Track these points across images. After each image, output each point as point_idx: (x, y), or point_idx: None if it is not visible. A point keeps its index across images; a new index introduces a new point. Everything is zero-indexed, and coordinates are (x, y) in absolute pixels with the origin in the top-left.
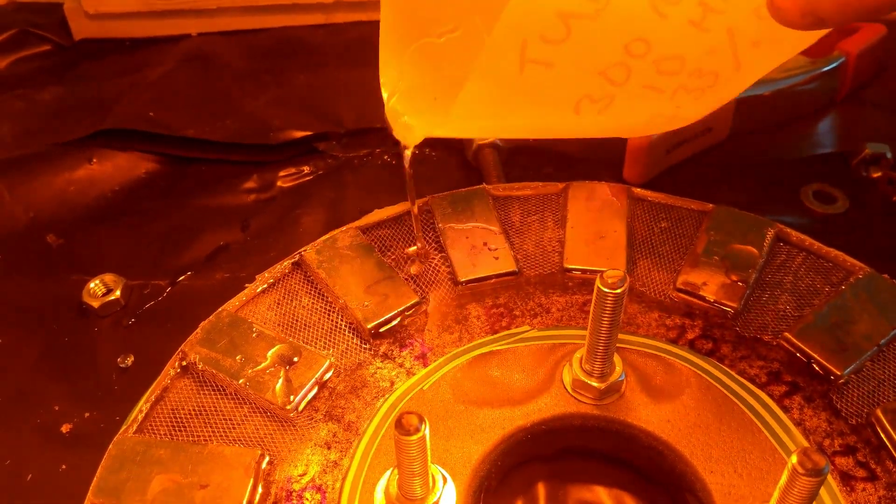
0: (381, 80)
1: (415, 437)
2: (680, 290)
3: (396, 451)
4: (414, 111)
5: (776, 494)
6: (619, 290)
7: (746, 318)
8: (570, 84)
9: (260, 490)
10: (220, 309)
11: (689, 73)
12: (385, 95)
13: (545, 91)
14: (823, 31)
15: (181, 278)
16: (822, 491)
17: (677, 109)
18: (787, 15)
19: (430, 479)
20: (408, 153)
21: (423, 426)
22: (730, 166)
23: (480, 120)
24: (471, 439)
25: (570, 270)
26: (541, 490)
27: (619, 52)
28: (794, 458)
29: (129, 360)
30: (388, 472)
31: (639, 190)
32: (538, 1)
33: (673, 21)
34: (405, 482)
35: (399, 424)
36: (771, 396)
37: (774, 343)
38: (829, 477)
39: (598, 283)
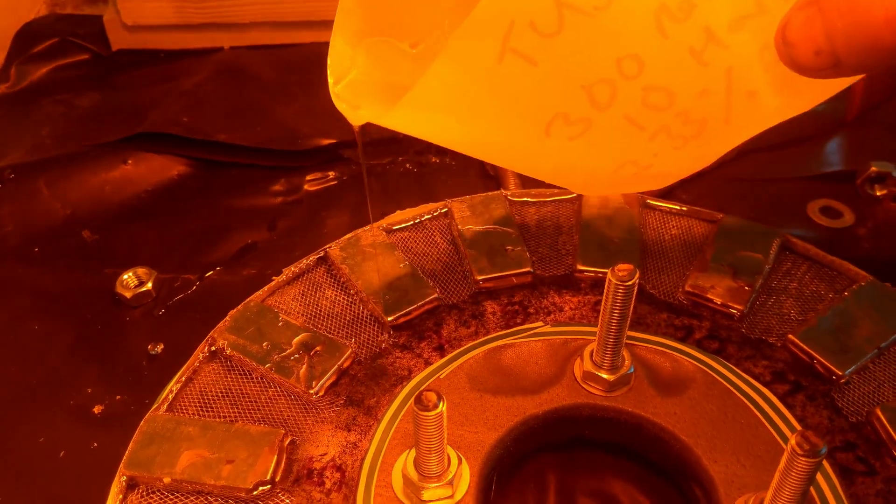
0: (329, 63)
1: (433, 413)
2: (688, 293)
3: (415, 427)
4: (362, 101)
5: (776, 477)
6: (629, 283)
7: (752, 320)
8: (548, 92)
9: (283, 467)
10: (247, 299)
11: (675, 114)
12: (331, 81)
13: (520, 95)
14: (835, 87)
15: (210, 273)
16: (823, 484)
17: (654, 158)
18: (798, 51)
19: (446, 457)
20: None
21: (442, 403)
22: (739, 182)
23: (438, 116)
24: (484, 425)
25: (582, 272)
26: (551, 478)
27: (610, 65)
28: (792, 440)
29: (159, 348)
30: (406, 454)
31: (651, 199)
32: None
33: (673, 42)
34: (422, 459)
35: (419, 400)
36: (774, 394)
37: (779, 344)
38: (830, 471)
39: (609, 275)
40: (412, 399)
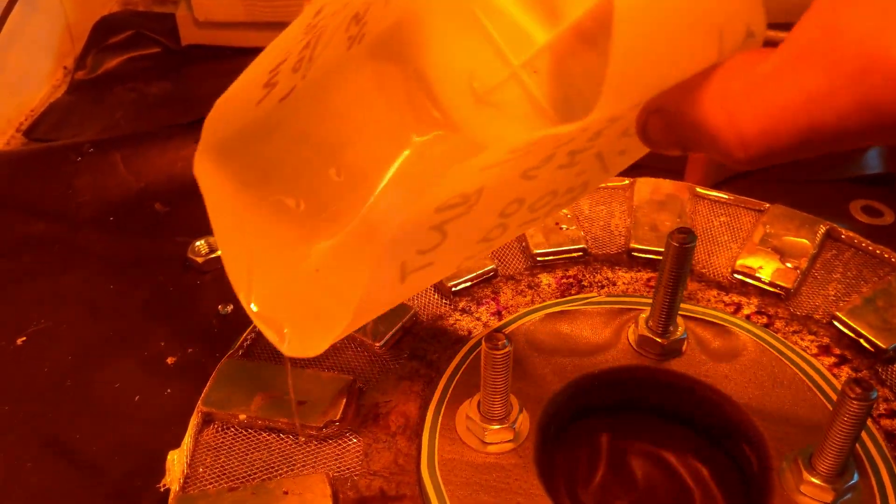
0: (232, 281)
1: (502, 352)
2: (737, 273)
3: (483, 367)
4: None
5: (828, 426)
6: (688, 244)
7: (798, 299)
8: (450, 263)
9: (352, 409)
10: None
11: (561, 195)
12: (241, 297)
13: (428, 279)
14: None
15: None
16: (871, 447)
17: (554, 216)
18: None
19: (509, 402)
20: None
21: (510, 343)
22: (781, 182)
23: (369, 318)
24: (542, 380)
25: (635, 250)
26: (603, 438)
27: (496, 219)
28: (844, 385)
29: (229, 308)
30: (469, 401)
31: (700, 188)
32: (412, 225)
33: (543, 175)
34: (487, 400)
35: (489, 339)
36: (822, 365)
37: (825, 321)
38: (877, 434)
39: (668, 238)
40: (476, 350)
